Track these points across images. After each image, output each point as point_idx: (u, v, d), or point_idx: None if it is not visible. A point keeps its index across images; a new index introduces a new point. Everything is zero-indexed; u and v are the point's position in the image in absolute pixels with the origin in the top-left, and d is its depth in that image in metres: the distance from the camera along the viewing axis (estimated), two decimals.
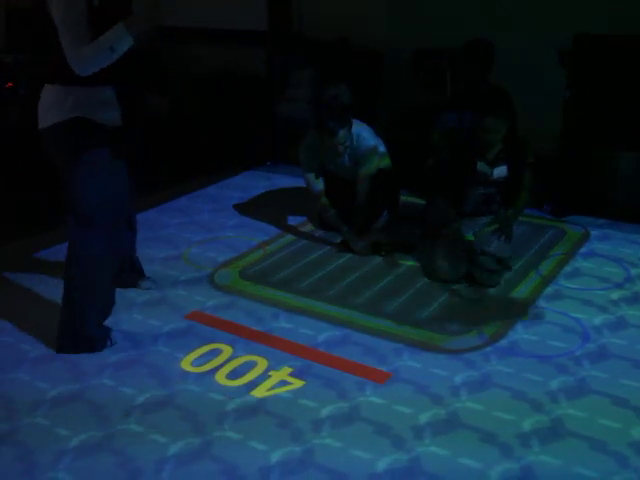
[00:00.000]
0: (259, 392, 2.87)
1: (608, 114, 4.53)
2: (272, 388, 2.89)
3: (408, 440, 2.57)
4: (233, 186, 5.52)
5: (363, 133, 4.28)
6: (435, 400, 2.81)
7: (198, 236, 4.50)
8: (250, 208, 5.00)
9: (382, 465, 2.45)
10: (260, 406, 2.78)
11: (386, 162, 4.44)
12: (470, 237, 3.93)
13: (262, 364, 3.07)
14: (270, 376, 2.98)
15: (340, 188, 4.42)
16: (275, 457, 2.49)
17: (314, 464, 2.45)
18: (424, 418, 2.70)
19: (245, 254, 4.24)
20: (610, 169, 4.66)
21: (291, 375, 2.98)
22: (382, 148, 4.41)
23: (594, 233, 4.45)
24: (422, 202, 4.79)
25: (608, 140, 4.59)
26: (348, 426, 2.66)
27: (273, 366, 3.05)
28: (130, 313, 3.51)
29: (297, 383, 2.93)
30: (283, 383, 2.93)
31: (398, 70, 5.58)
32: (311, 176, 4.35)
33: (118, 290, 3.35)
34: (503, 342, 3.23)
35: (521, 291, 3.73)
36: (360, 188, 4.32)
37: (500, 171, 3.85)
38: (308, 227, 4.65)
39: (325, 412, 2.74)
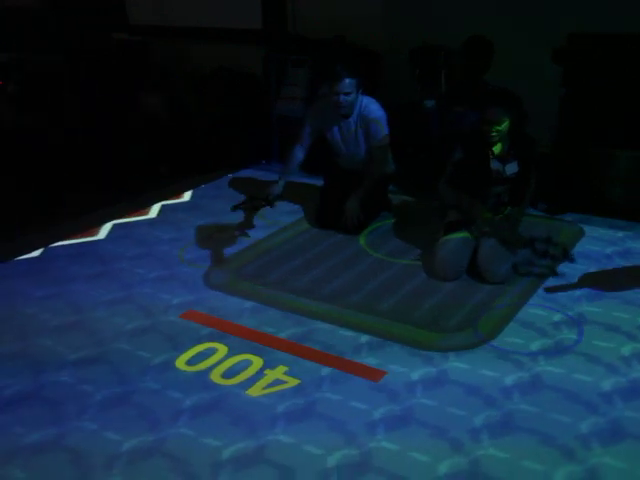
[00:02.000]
0: (254, 391, 2.87)
1: (604, 112, 4.54)
2: (267, 387, 2.90)
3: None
4: (229, 185, 5.53)
5: (371, 105, 4.36)
6: (431, 398, 2.83)
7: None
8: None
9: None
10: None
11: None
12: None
13: (257, 363, 3.08)
14: (265, 375, 2.99)
15: (344, 183, 4.43)
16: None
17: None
18: (420, 415, 2.72)
19: (241, 252, 4.24)
20: (606, 167, 4.66)
21: (286, 374, 2.99)
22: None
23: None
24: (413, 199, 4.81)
25: (604, 138, 4.59)
26: (346, 425, 2.67)
27: (268, 365, 3.06)
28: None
29: (292, 382, 2.94)
30: (278, 382, 2.94)
31: (396, 69, 5.58)
32: (305, 131, 4.47)
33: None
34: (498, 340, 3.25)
35: (514, 291, 3.74)
36: (376, 157, 4.40)
37: (512, 167, 3.86)
38: (304, 225, 4.66)
39: (324, 411, 2.75)
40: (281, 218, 4.75)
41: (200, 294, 3.72)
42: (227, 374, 2.99)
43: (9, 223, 4.72)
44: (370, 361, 3.09)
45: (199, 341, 3.26)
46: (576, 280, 3.77)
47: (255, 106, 6.15)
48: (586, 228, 4.48)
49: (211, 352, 3.16)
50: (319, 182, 5.03)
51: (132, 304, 3.62)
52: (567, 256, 3.99)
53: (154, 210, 5.00)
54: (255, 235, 4.46)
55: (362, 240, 4.39)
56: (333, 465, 2.46)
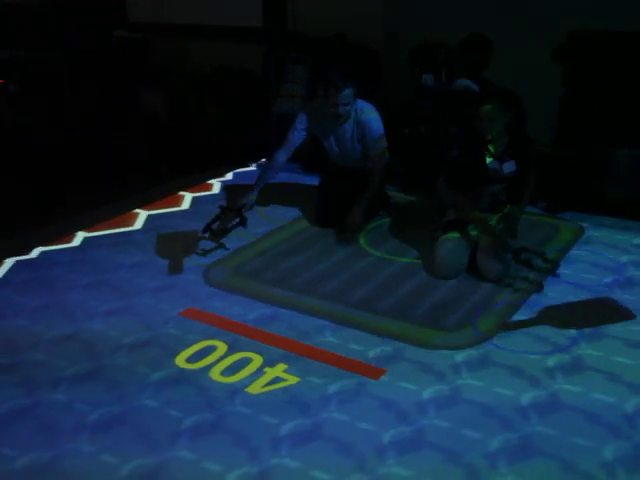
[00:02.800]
0: (254, 389, 2.88)
1: (604, 111, 4.54)
2: (267, 385, 2.91)
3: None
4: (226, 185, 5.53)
5: (366, 107, 4.34)
6: (427, 397, 2.83)
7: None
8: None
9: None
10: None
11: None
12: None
13: (257, 361, 3.08)
14: (265, 373, 2.99)
15: (337, 178, 4.43)
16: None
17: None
18: (418, 414, 2.72)
19: (240, 250, 4.24)
20: (606, 166, 4.66)
21: (286, 372, 3.00)
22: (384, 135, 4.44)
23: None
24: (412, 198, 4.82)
25: (604, 137, 4.59)
26: (346, 424, 2.67)
27: (268, 363, 3.06)
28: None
29: (292, 380, 2.94)
30: (278, 379, 2.94)
31: (395, 67, 5.58)
32: (293, 134, 4.43)
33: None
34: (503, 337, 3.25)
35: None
36: (374, 165, 4.37)
37: (509, 166, 3.85)
38: (304, 223, 4.66)
39: (324, 410, 2.75)
40: (279, 218, 4.74)
41: (199, 292, 3.72)
42: (227, 372, 2.99)
43: (9, 223, 4.72)
44: (370, 359, 3.08)
45: (199, 339, 3.26)
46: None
47: (255, 104, 6.14)
48: (586, 227, 4.48)
49: (211, 350, 3.16)
50: (312, 179, 5.04)
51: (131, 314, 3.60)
52: (553, 272, 3.87)
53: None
54: (255, 233, 4.46)
55: (362, 238, 4.39)
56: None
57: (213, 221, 4.27)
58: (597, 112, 4.55)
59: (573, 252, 4.13)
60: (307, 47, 5.74)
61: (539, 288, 3.72)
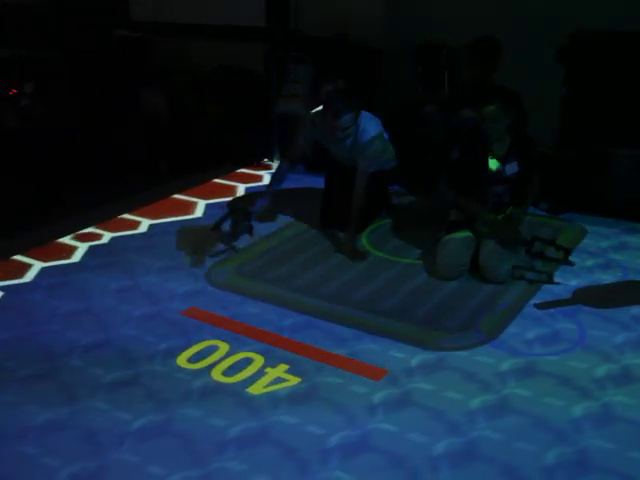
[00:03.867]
0: (255, 389, 2.86)
1: (606, 111, 4.53)
2: (268, 385, 2.89)
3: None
4: (214, 188, 5.51)
5: (368, 127, 4.22)
6: (424, 395, 2.82)
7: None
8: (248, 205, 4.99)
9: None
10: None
11: (388, 155, 4.43)
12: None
13: (258, 361, 3.06)
14: (266, 373, 2.98)
15: (342, 178, 4.40)
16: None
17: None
18: (416, 413, 2.71)
19: (242, 251, 4.23)
20: (608, 167, 4.65)
21: (287, 372, 2.98)
22: (382, 143, 4.35)
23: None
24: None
25: (606, 137, 4.58)
26: (345, 421, 2.67)
27: (269, 363, 3.05)
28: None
29: (293, 380, 2.92)
30: (279, 380, 2.93)
31: (397, 67, 5.58)
32: (298, 146, 4.44)
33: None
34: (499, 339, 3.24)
35: (515, 291, 3.73)
36: (357, 183, 4.21)
37: (512, 167, 3.84)
38: (306, 224, 4.64)
39: (322, 410, 2.74)
40: (281, 218, 4.73)
41: (202, 291, 3.71)
42: (228, 372, 2.98)
43: (9, 223, 4.70)
44: (372, 360, 3.07)
45: (200, 339, 3.24)
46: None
47: (256, 104, 6.13)
48: (587, 228, 4.47)
49: (212, 350, 3.15)
50: (314, 180, 5.03)
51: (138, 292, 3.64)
52: (566, 260, 3.90)
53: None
54: (257, 233, 4.44)
55: (364, 239, 4.38)
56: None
57: (222, 220, 4.26)
58: (599, 112, 4.54)
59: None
60: (308, 47, 5.73)
61: (550, 279, 3.73)
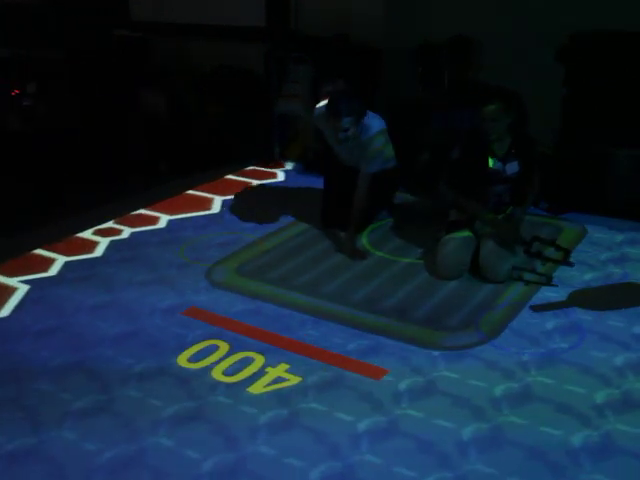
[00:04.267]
0: (256, 389, 2.86)
1: (606, 111, 4.53)
2: (269, 385, 2.89)
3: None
4: (228, 184, 5.51)
5: (372, 126, 4.21)
6: (423, 397, 2.82)
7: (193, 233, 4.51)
8: (247, 204, 4.99)
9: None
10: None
11: (388, 154, 4.43)
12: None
13: (259, 361, 3.07)
14: (267, 372, 2.98)
15: (343, 178, 4.39)
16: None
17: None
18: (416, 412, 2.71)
19: (242, 250, 4.23)
20: (608, 167, 4.65)
21: (288, 371, 2.98)
22: (384, 139, 4.34)
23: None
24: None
25: (606, 137, 4.59)
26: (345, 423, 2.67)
27: (270, 362, 3.05)
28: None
29: (294, 379, 2.93)
30: (280, 379, 2.93)
31: (397, 67, 5.58)
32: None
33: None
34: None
35: (516, 290, 3.73)
36: (359, 185, 4.22)
37: (512, 167, 3.84)
38: (306, 223, 4.64)
39: (322, 410, 2.74)
40: (282, 217, 4.73)
41: (202, 291, 3.71)
42: (228, 372, 2.98)
43: (9, 223, 4.70)
44: (372, 359, 3.07)
45: (201, 338, 3.24)
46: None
47: (255, 104, 6.13)
48: (588, 228, 4.47)
49: (213, 349, 3.15)
50: (313, 180, 5.03)
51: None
52: (566, 261, 3.89)
53: None
54: (257, 233, 4.44)
55: (364, 238, 4.38)
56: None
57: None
58: (599, 112, 4.54)
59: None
60: (308, 47, 5.73)
61: (548, 281, 3.73)
